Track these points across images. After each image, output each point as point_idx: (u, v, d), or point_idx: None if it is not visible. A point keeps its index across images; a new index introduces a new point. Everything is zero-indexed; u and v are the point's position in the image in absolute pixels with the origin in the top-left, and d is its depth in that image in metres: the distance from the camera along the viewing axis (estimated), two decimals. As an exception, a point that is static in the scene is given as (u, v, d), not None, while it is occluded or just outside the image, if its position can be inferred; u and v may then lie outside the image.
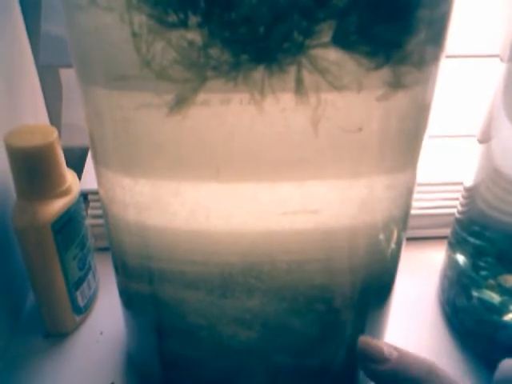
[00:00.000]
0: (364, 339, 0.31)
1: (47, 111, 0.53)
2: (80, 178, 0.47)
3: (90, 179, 0.49)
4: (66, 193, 0.38)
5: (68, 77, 0.54)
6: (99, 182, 0.31)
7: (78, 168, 0.47)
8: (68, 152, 0.42)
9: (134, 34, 0.23)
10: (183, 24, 0.21)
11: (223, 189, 0.26)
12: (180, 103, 0.24)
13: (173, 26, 0.22)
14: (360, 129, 0.25)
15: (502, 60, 0.35)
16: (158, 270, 0.31)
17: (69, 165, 0.40)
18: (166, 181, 0.27)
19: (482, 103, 0.38)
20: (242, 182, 0.26)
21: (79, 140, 0.50)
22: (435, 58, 0.25)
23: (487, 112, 0.37)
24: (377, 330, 0.36)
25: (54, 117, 0.54)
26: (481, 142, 0.38)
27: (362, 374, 0.36)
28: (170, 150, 0.26)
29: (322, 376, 0.35)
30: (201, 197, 0.27)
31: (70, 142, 0.51)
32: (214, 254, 0.29)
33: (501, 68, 0.35)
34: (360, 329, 0.34)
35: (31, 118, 0.48)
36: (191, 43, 0.22)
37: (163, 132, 0.25)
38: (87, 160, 0.52)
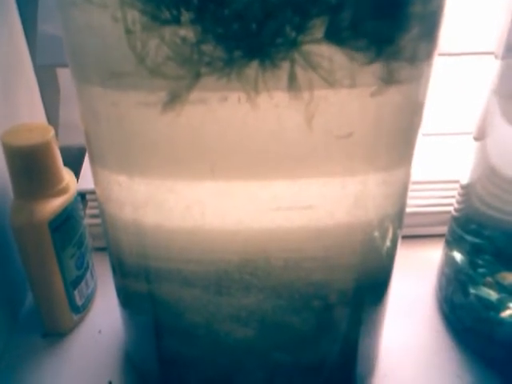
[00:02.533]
0: None
1: (45, 111, 0.53)
2: (78, 178, 0.47)
3: (87, 179, 0.49)
4: (63, 191, 0.38)
5: (65, 76, 0.54)
6: (95, 181, 0.31)
7: (76, 168, 0.47)
8: (66, 152, 0.42)
9: (128, 31, 0.23)
10: (176, 20, 0.21)
11: (218, 186, 0.27)
12: (174, 100, 0.24)
13: (166, 22, 0.22)
14: (350, 134, 0.25)
15: (496, 57, 0.35)
16: (155, 268, 0.31)
17: (67, 164, 0.40)
18: (161, 179, 0.27)
19: (478, 101, 0.38)
20: (237, 179, 0.26)
21: (77, 139, 0.50)
22: (428, 54, 0.25)
23: (482, 109, 0.37)
24: (374, 328, 0.36)
25: (52, 116, 0.54)
26: (476, 139, 0.38)
27: (358, 371, 0.36)
28: (164, 147, 0.26)
29: (318, 373, 0.35)
30: (196, 194, 0.27)
31: (68, 142, 0.51)
32: (209, 251, 0.29)
33: (495, 65, 0.35)
34: (357, 326, 0.34)
35: (29, 117, 0.48)
36: (184, 39, 0.22)
37: (158, 130, 0.25)
38: (85, 160, 0.52)
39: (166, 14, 0.21)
